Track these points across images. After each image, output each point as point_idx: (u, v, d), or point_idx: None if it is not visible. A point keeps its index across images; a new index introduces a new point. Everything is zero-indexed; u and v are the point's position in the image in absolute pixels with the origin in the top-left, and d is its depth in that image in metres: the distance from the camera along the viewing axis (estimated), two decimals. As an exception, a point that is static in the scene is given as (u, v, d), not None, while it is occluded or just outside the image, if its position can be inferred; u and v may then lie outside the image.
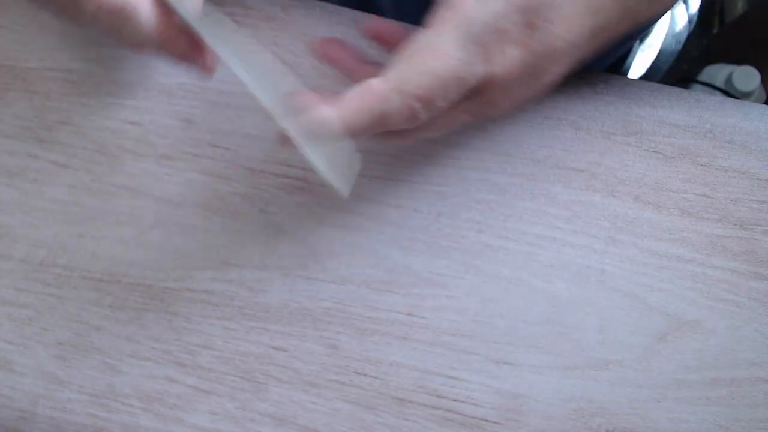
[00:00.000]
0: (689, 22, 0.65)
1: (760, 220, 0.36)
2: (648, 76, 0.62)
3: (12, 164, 0.36)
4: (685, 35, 0.65)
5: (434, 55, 0.29)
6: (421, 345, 0.36)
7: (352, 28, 0.37)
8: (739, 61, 0.82)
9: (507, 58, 0.30)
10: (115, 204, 0.36)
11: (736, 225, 0.36)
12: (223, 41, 0.30)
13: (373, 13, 0.38)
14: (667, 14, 0.66)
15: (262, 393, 0.36)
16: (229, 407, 0.35)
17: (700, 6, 0.66)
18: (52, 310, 0.36)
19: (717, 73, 0.84)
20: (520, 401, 0.36)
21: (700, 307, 0.36)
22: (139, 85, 0.38)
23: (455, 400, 0.36)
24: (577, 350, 0.36)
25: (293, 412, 0.35)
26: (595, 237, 0.37)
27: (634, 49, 0.61)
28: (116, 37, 0.30)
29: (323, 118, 0.28)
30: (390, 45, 0.35)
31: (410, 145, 0.37)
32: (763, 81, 0.81)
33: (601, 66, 0.54)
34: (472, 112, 0.33)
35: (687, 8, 0.66)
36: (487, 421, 0.35)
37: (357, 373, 0.36)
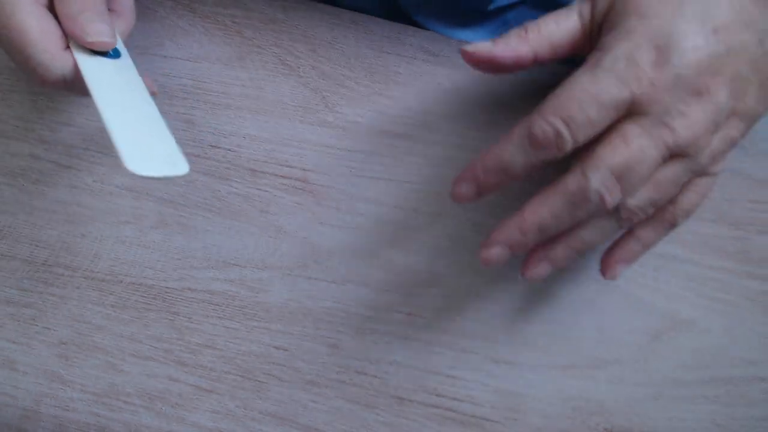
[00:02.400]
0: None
1: (754, 220, 0.36)
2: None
3: (15, 165, 0.37)
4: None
5: None
6: (421, 345, 0.36)
7: (351, 30, 0.37)
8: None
9: None
10: (117, 204, 0.36)
11: (731, 225, 0.37)
12: (104, 87, 0.30)
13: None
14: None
15: (263, 392, 0.36)
16: (231, 406, 0.36)
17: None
18: (54, 309, 0.36)
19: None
20: (519, 400, 0.36)
21: (696, 306, 0.36)
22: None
23: (455, 399, 0.36)
24: (576, 349, 0.36)
25: (294, 410, 0.36)
26: (592, 237, 0.37)
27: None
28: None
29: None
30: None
31: (409, 146, 0.37)
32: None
33: None
34: None
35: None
36: (486, 419, 0.36)
37: (357, 372, 0.36)
